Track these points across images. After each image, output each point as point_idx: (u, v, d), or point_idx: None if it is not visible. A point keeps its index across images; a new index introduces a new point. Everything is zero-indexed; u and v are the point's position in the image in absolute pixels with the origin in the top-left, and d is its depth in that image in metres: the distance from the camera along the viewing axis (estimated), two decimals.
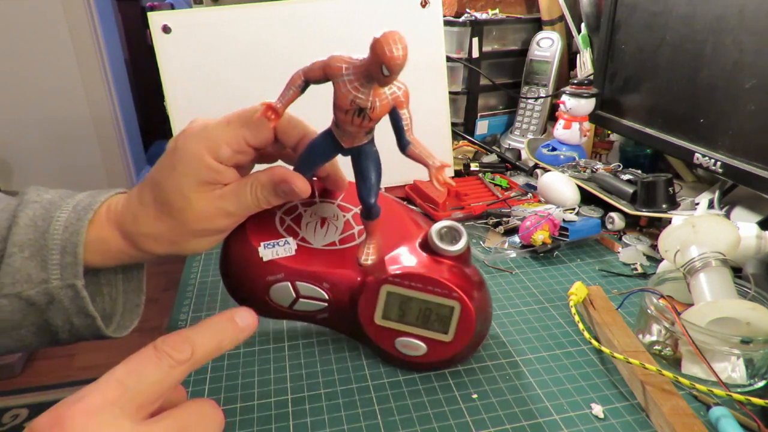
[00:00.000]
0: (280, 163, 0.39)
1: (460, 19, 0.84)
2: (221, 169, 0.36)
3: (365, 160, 0.36)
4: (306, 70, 0.33)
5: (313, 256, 0.40)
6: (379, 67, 0.29)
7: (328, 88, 0.32)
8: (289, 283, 0.39)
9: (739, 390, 0.38)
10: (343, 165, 0.40)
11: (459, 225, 0.40)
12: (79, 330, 0.38)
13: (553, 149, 0.75)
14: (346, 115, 0.32)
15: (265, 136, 0.37)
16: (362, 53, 0.30)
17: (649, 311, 0.42)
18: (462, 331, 0.38)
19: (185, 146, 0.35)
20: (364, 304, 0.38)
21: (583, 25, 0.83)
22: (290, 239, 0.40)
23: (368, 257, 0.40)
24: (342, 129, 0.34)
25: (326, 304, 0.40)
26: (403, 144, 0.34)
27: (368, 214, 0.38)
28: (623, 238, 0.60)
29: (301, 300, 0.40)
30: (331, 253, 0.41)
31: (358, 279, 0.40)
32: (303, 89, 0.34)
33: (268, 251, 0.39)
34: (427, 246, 0.40)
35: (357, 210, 0.42)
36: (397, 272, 0.38)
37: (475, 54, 0.86)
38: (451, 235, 0.39)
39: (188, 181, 0.35)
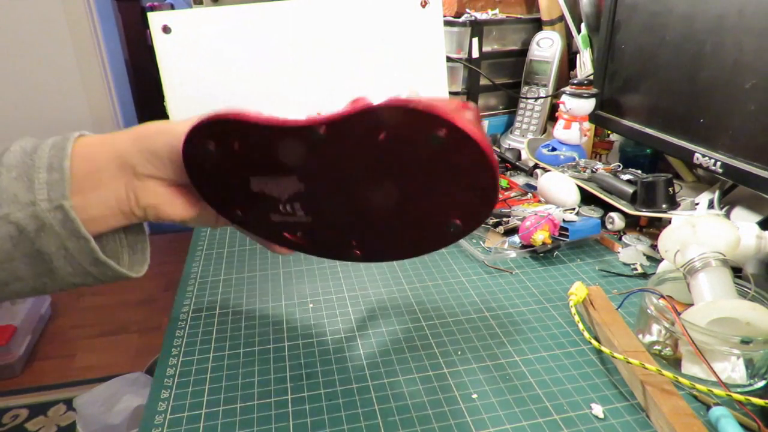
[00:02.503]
0: None
1: (460, 19, 0.84)
2: None
3: None
4: None
5: None
6: None
7: None
8: None
9: (739, 390, 0.38)
10: None
11: None
12: (75, 256, 0.38)
13: (553, 149, 0.75)
14: None
15: None
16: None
17: (649, 311, 0.42)
18: None
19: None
20: None
21: (583, 25, 0.83)
22: None
23: None
24: None
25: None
26: None
27: None
28: (623, 238, 0.60)
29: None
30: None
31: None
32: None
33: None
34: None
35: None
36: None
37: (475, 54, 0.86)
38: None
39: None
